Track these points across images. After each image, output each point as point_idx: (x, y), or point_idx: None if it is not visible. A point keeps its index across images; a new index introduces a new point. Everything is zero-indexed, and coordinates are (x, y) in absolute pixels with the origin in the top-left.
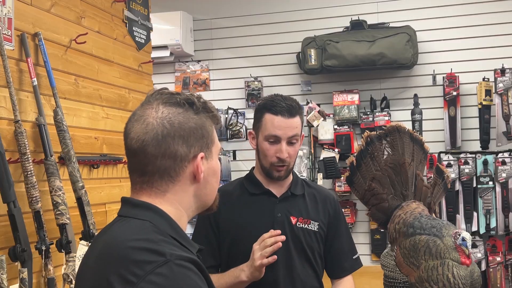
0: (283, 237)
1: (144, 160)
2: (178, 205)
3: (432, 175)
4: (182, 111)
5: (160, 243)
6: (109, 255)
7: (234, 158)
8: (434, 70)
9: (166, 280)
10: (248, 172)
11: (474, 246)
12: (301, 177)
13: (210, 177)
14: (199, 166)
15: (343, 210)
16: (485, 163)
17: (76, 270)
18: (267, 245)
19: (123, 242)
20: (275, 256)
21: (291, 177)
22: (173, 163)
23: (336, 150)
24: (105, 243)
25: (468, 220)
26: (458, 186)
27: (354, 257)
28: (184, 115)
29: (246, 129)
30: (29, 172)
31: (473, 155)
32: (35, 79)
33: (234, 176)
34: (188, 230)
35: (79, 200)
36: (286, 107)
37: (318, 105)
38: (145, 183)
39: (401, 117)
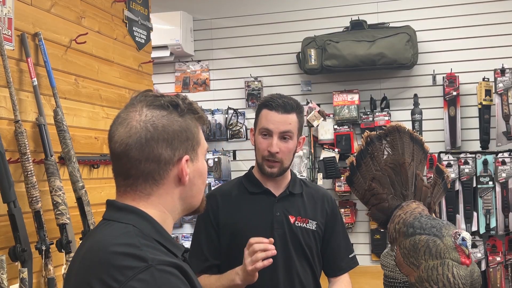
0: (272, 246)
1: (128, 164)
2: (163, 208)
3: (432, 175)
4: (166, 114)
5: (142, 247)
6: (92, 259)
7: (234, 158)
8: (434, 70)
9: (147, 286)
10: (247, 171)
11: (474, 246)
12: (300, 177)
13: (196, 179)
14: (183, 169)
15: (343, 210)
16: (485, 163)
17: None
18: (255, 250)
19: (106, 247)
20: (271, 260)
21: (289, 176)
22: (157, 167)
23: (336, 150)
24: (88, 247)
25: (468, 220)
26: (458, 186)
27: (350, 256)
28: (168, 118)
29: (246, 129)
30: (29, 172)
31: (473, 155)
32: (35, 79)
33: (234, 176)
34: (188, 230)
35: (79, 200)
36: (282, 103)
37: (318, 105)
38: (129, 186)
39: (401, 117)
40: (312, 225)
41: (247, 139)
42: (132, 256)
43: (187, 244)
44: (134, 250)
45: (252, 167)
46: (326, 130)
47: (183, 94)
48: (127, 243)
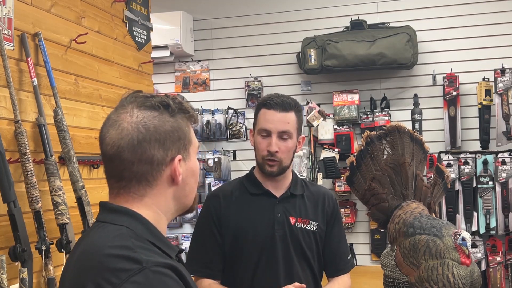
0: None
1: (120, 166)
2: (157, 209)
3: (432, 175)
4: (157, 115)
5: (136, 249)
6: (86, 262)
7: (234, 158)
8: (434, 70)
9: None
10: (248, 172)
11: (474, 246)
12: (300, 177)
13: (189, 178)
14: (176, 169)
15: (343, 210)
16: (485, 163)
17: None
18: None
19: (100, 249)
20: None
21: (290, 177)
22: (150, 168)
23: (336, 150)
24: (82, 250)
25: (468, 220)
26: (458, 186)
27: (348, 258)
28: (159, 119)
29: (246, 129)
30: (29, 172)
31: (473, 155)
32: (35, 79)
33: (234, 176)
34: (188, 230)
35: (79, 200)
36: (280, 102)
37: (318, 105)
38: (122, 188)
39: (401, 117)
40: (313, 226)
41: (247, 139)
42: (126, 258)
43: (187, 244)
44: (128, 252)
45: (254, 167)
46: (326, 130)
47: (174, 93)
48: (121, 245)
